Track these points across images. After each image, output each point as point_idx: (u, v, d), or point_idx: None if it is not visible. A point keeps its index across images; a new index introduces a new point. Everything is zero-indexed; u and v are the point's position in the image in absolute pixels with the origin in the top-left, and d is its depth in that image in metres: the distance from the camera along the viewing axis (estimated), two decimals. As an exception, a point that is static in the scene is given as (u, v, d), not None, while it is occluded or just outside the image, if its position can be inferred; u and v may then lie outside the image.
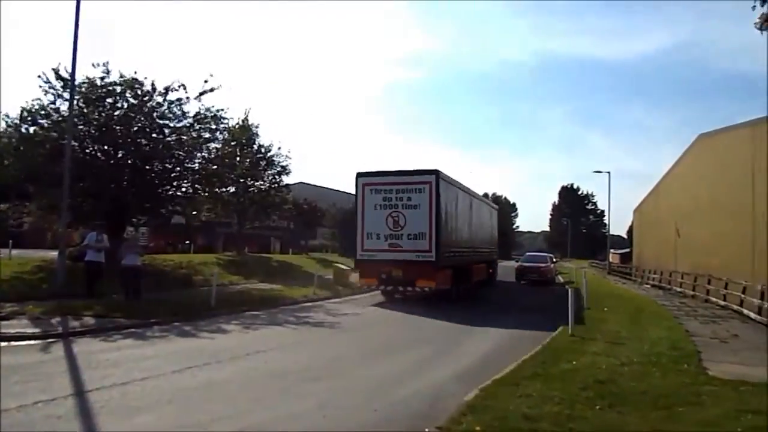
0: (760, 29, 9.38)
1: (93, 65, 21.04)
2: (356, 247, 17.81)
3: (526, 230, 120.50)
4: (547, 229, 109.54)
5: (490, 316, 15.14)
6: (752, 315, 15.41)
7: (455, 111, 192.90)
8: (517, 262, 35.98)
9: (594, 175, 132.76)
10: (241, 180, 30.60)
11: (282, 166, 32.91)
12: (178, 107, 20.71)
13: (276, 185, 33.30)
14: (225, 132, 24.57)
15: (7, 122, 19.48)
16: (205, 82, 20.94)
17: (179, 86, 20.36)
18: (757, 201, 17.60)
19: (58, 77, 18.65)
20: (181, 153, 21.15)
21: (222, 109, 21.89)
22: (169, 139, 20.77)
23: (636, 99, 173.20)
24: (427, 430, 5.23)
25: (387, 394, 6.66)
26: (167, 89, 20.21)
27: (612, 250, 57.57)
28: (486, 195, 64.64)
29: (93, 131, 19.34)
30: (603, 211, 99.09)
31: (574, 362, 8.40)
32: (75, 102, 17.36)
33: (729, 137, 21.13)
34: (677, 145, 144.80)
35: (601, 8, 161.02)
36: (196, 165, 22.38)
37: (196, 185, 23.32)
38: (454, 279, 18.29)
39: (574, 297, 12.16)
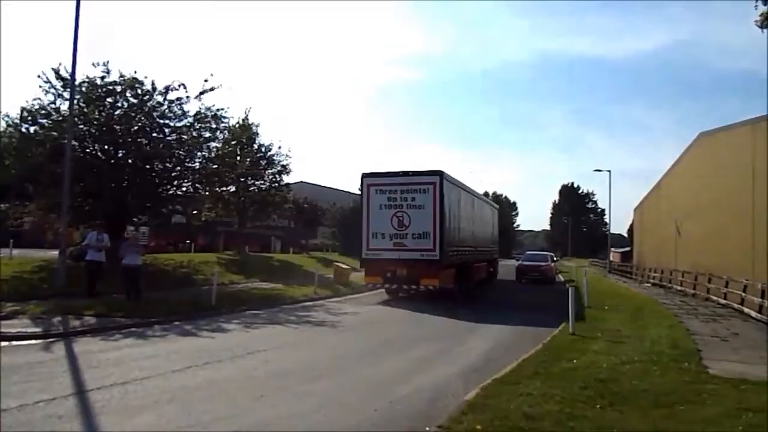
0: (761, 27, 9.38)
1: (93, 65, 21.08)
2: (362, 246, 17.97)
3: (526, 229, 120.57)
4: (548, 227, 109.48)
5: (491, 314, 15.13)
6: (753, 313, 15.40)
7: (455, 110, 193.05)
8: (517, 261, 35.97)
9: (594, 174, 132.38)
10: (242, 179, 30.59)
11: (282, 166, 32.93)
12: (179, 107, 20.77)
13: (276, 184, 33.28)
14: (225, 131, 24.62)
15: (7, 122, 19.51)
16: (205, 81, 21.04)
17: (179, 86, 20.44)
18: (757, 199, 17.58)
19: (58, 77, 18.68)
20: (181, 152, 21.17)
21: (222, 109, 21.99)
22: (169, 138, 20.79)
23: (636, 98, 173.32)
24: (427, 429, 5.24)
25: (388, 393, 6.66)
26: (167, 89, 20.26)
27: (612, 249, 57.51)
28: (486, 194, 64.67)
29: (93, 131, 19.37)
30: (603, 210, 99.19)
31: (574, 361, 8.40)
32: (75, 101, 17.37)
33: (729, 136, 21.11)
34: (678, 144, 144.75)
35: (601, 8, 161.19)
36: (197, 164, 22.42)
37: (197, 185, 23.36)
38: (457, 278, 18.52)
39: (574, 296, 12.16)
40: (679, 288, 24.87)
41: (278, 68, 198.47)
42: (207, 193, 26.09)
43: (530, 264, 29.72)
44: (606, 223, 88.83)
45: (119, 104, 19.65)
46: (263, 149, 32.02)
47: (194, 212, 30.52)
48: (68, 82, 17.46)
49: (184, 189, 23.10)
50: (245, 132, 30.91)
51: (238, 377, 7.31)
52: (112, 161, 19.62)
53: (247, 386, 6.83)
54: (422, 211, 17.11)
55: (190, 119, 21.16)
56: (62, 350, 8.67)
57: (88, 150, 19.65)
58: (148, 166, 20.27)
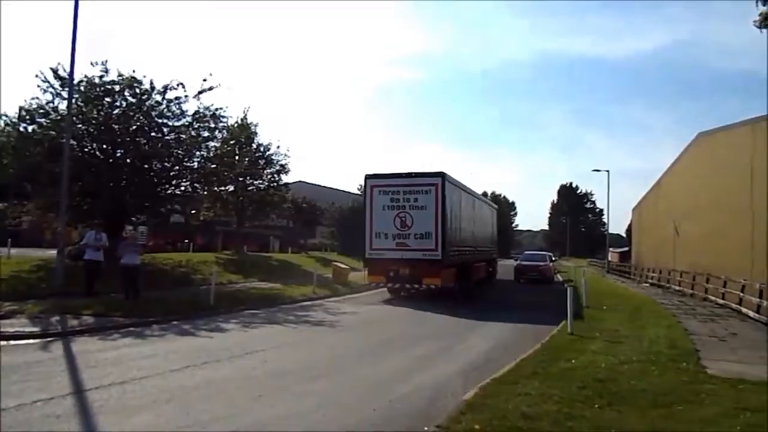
0: (759, 27, 9.40)
1: (91, 64, 20.99)
2: (365, 245, 18.24)
3: (525, 229, 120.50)
4: (547, 227, 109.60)
5: (491, 313, 15.14)
6: (751, 313, 15.43)
7: (455, 110, 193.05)
8: (516, 260, 36.01)
9: (593, 174, 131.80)
10: (240, 179, 30.56)
11: (281, 165, 32.90)
12: (177, 106, 20.73)
13: (275, 184, 33.26)
14: (224, 131, 24.59)
15: (5, 121, 19.46)
16: (204, 80, 20.98)
17: (178, 85, 20.39)
18: (756, 199, 17.61)
19: (57, 76, 18.63)
20: (179, 152, 21.14)
21: (221, 108, 21.96)
22: (167, 137, 20.75)
23: (636, 98, 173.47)
24: (426, 428, 5.24)
25: (386, 392, 6.66)
26: (166, 88, 20.21)
27: (611, 249, 57.59)
28: (485, 194, 64.69)
29: (92, 130, 19.32)
30: (602, 210, 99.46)
31: (573, 361, 8.41)
32: (73, 101, 17.33)
33: (728, 136, 21.14)
34: (677, 144, 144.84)
35: (601, 8, 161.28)
36: (195, 164, 22.39)
37: (195, 184, 23.34)
38: (458, 277, 18.81)
39: (572, 296, 12.18)
40: (677, 288, 24.91)
41: (277, 68, 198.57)
42: (205, 192, 26.07)
43: (529, 264, 29.78)
44: (604, 223, 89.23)
45: (118, 103, 19.61)
46: (262, 149, 32.01)
47: (193, 212, 30.51)
48: (66, 82, 17.42)
49: (182, 188, 23.08)
50: (244, 131, 30.88)
51: (237, 377, 7.30)
52: (111, 160, 19.58)
53: (245, 386, 6.83)
54: (424, 212, 17.39)
55: (189, 119, 21.14)
56: (60, 350, 8.66)
57: (86, 149, 19.62)
58: (146, 166, 20.24)
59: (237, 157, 29.94)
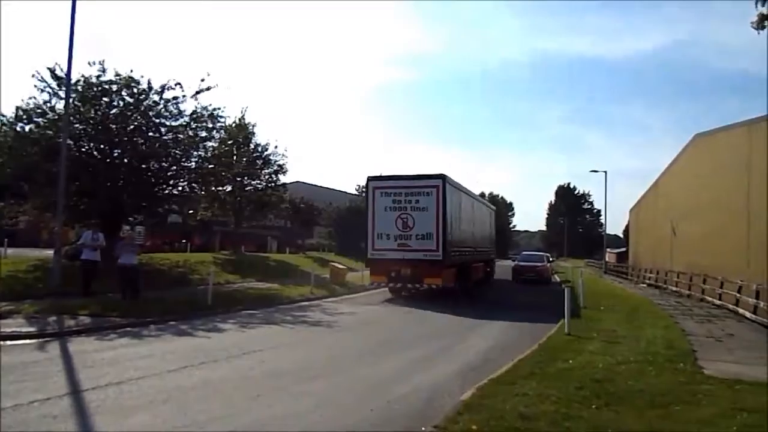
0: (757, 28, 9.41)
1: (89, 63, 20.96)
2: (367, 246, 18.62)
3: (523, 229, 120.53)
4: (544, 228, 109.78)
5: (489, 313, 15.16)
6: (748, 314, 15.47)
7: (453, 110, 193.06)
8: (513, 261, 36.08)
9: (591, 175, 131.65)
10: (238, 179, 30.55)
11: (279, 165, 32.87)
12: (175, 106, 20.71)
13: (273, 184, 33.24)
14: (221, 131, 24.58)
15: (2, 121, 19.39)
16: (202, 80, 20.97)
17: (175, 85, 20.36)
18: (752, 200, 17.67)
19: (54, 76, 18.59)
20: (177, 152, 21.10)
21: (218, 108, 21.94)
22: (165, 137, 20.72)
23: (635, 98, 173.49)
24: (423, 429, 5.24)
25: (384, 393, 6.66)
26: (163, 88, 20.18)
27: (608, 250, 57.71)
28: (482, 194, 64.87)
29: (89, 130, 19.28)
30: (599, 211, 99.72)
31: (570, 361, 8.42)
32: (71, 100, 17.30)
33: (725, 137, 21.20)
34: (675, 145, 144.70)
35: (600, 8, 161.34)
36: (193, 164, 22.35)
37: (193, 184, 23.29)
38: (458, 277, 19.21)
39: (570, 296, 12.21)
40: (674, 289, 24.97)
41: (275, 68, 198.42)
42: (203, 192, 26.01)
43: (526, 264, 29.90)
44: (602, 224, 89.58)
45: (115, 103, 19.56)
46: (260, 149, 31.99)
47: (190, 212, 30.44)
48: (63, 81, 17.38)
49: (180, 188, 23.03)
50: (242, 131, 30.86)
51: (234, 377, 7.29)
52: (108, 160, 19.54)
53: (242, 386, 6.82)
54: (426, 213, 17.74)
55: (187, 118, 21.11)
56: (57, 350, 8.63)
57: (83, 149, 19.57)
58: (144, 166, 20.20)
59: (235, 157, 29.93)
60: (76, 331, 10.17)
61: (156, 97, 20.11)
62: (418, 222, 17.75)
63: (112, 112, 19.49)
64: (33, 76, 18.65)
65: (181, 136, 20.89)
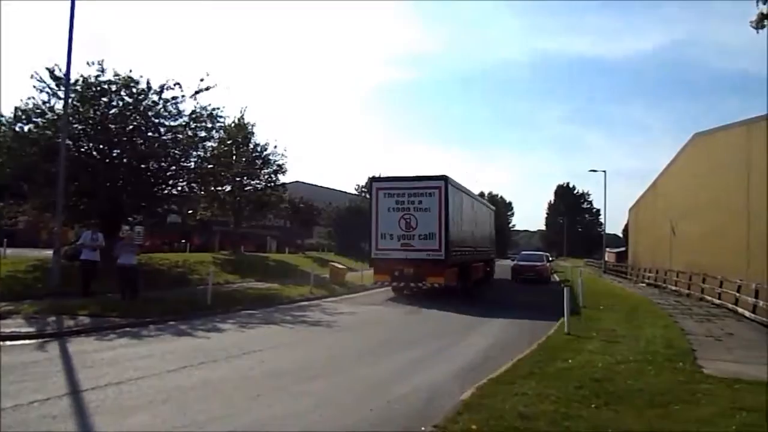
0: (756, 28, 9.43)
1: (88, 63, 20.98)
2: (370, 246, 18.99)
3: (522, 229, 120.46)
4: (544, 227, 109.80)
5: (489, 313, 15.16)
6: (747, 313, 15.49)
7: (453, 110, 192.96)
8: (513, 261, 36.10)
9: (590, 174, 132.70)
10: (237, 179, 30.53)
11: (278, 165, 32.85)
12: (174, 106, 20.69)
13: (272, 184, 33.23)
14: (221, 131, 24.56)
15: (1, 121, 19.37)
16: (201, 80, 20.94)
17: (175, 85, 20.34)
18: (752, 199, 17.68)
19: (53, 76, 18.57)
20: (176, 152, 21.09)
21: (218, 108, 21.92)
22: (164, 137, 20.71)
23: (634, 98, 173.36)
24: (423, 428, 5.24)
25: (384, 392, 6.66)
26: (163, 88, 20.16)
27: (608, 249, 57.74)
28: (482, 194, 64.91)
29: (88, 130, 19.26)
30: (599, 210, 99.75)
31: (569, 361, 8.43)
32: (70, 100, 17.28)
33: (724, 136, 21.22)
34: (675, 144, 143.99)
35: (600, 8, 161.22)
36: (192, 164, 22.34)
37: (192, 184, 23.28)
38: (460, 276, 19.58)
39: (569, 296, 12.21)
40: (673, 288, 24.99)
41: (274, 67, 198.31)
42: (202, 192, 26.01)
43: (526, 264, 29.94)
44: (601, 223, 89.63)
45: (114, 103, 19.54)
46: (259, 149, 31.98)
47: (189, 212, 30.45)
48: (62, 81, 17.36)
49: (179, 188, 23.02)
50: (241, 131, 30.86)
51: (234, 377, 7.29)
52: (107, 160, 19.53)
53: (242, 386, 6.82)
54: (428, 214, 18.10)
55: (186, 118, 21.10)
56: (56, 350, 8.62)
57: (82, 149, 19.56)
58: (143, 166, 20.19)
59: (234, 157, 29.92)
60: (76, 331, 10.17)
61: (155, 97, 20.10)
62: (420, 222, 18.06)
63: (111, 112, 19.48)
64: (32, 76, 18.67)
65: (181, 136, 20.88)
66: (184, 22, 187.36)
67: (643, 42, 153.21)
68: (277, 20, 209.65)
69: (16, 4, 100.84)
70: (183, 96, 20.65)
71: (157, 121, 20.47)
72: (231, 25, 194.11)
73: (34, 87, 18.77)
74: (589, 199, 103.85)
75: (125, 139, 19.48)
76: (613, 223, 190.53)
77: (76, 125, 18.86)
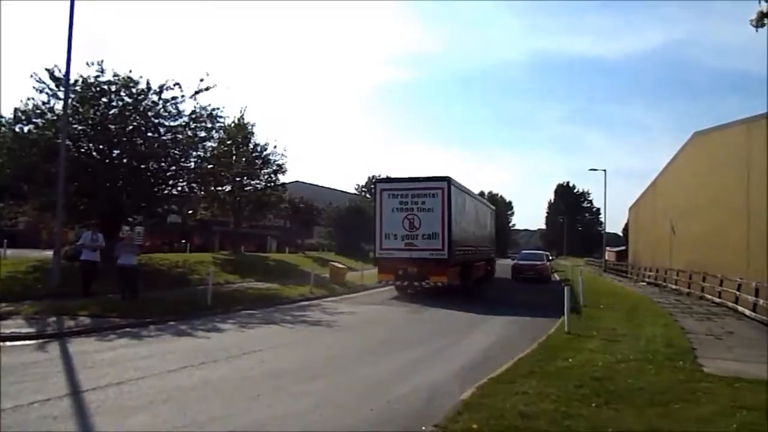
0: (756, 26, 9.41)
1: (87, 64, 20.94)
2: (375, 246, 19.37)
3: (522, 228, 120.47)
4: (544, 227, 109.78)
5: (489, 312, 15.15)
6: (747, 312, 15.49)
7: (453, 110, 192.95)
8: (513, 260, 36.09)
9: (590, 173, 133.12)
10: (237, 179, 30.54)
11: (278, 165, 32.87)
12: (174, 106, 20.67)
13: (272, 184, 33.23)
14: (221, 131, 24.55)
15: (1, 122, 19.36)
16: (201, 80, 20.91)
17: (174, 85, 20.32)
18: (751, 198, 17.68)
19: (52, 77, 18.56)
20: (176, 152, 21.08)
21: (217, 108, 21.92)
22: (164, 138, 20.70)
23: (634, 97, 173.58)
24: (424, 428, 5.24)
25: (384, 392, 6.66)
26: (162, 88, 20.14)
27: (608, 248, 57.74)
28: (482, 194, 64.87)
29: (88, 130, 19.25)
30: (599, 209, 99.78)
31: (570, 360, 8.43)
32: (69, 101, 17.28)
33: (724, 135, 21.22)
34: (674, 143, 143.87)
35: (599, 8, 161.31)
36: (192, 164, 22.34)
37: (192, 184, 23.28)
38: (462, 275, 19.93)
39: (569, 295, 12.21)
40: (673, 287, 24.99)
41: (274, 67, 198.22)
42: (202, 192, 26.00)
43: (526, 263, 29.94)
44: (601, 222, 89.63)
45: (114, 103, 19.53)
46: (259, 149, 31.99)
47: (189, 212, 30.44)
48: (62, 82, 17.35)
49: (179, 188, 23.01)
50: (241, 131, 30.86)
51: (234, 377, 7.29)
52: (107, 161, 19.52)
53: (242, 386, 6.81)
54: (431, 214, 18.42)
55: (186, 119, 21.08)
56: (57, 350, 8.62)
57: (82, 149, 19.55)
58: (143, 166, 20.18)
59: (234, 157, 29.93)
60: (76, 331, 10.16)
61: (155, 98, 20.09)
62: (424, 222, 18.36)
63: (110, 112, 19.46)
64: (31, 77, 18.66)
65: (180, 136, 20.88)
66: (184, 22, 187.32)
67: (643, 42, 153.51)
68: (277, 20, 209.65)
69: (16, 4, 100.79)
70: (183, 96, 20.66)
71: (156, 121, 20.46)
72: (231, 25, 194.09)
73: (34, 88, 18.80)
74: (589, 198, 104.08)
75: (125, 139, 19.47)
76: (613, 222, 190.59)
77: (75, 126, 18.85)
